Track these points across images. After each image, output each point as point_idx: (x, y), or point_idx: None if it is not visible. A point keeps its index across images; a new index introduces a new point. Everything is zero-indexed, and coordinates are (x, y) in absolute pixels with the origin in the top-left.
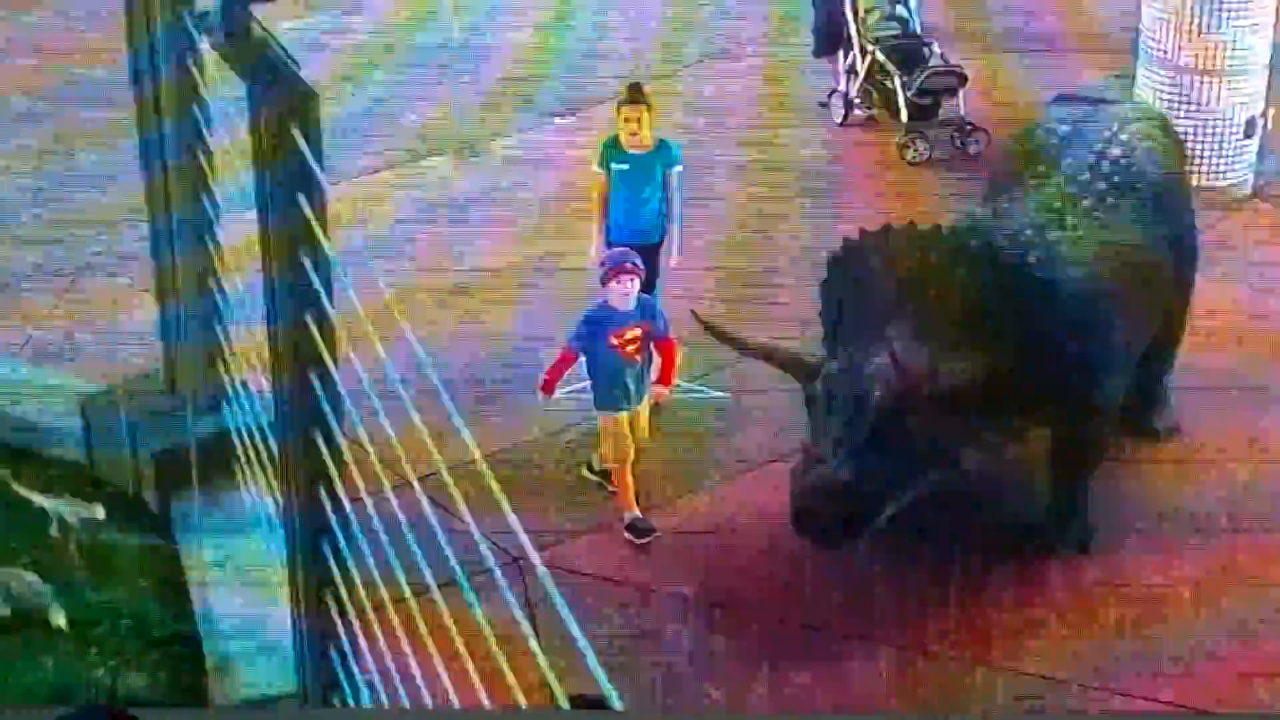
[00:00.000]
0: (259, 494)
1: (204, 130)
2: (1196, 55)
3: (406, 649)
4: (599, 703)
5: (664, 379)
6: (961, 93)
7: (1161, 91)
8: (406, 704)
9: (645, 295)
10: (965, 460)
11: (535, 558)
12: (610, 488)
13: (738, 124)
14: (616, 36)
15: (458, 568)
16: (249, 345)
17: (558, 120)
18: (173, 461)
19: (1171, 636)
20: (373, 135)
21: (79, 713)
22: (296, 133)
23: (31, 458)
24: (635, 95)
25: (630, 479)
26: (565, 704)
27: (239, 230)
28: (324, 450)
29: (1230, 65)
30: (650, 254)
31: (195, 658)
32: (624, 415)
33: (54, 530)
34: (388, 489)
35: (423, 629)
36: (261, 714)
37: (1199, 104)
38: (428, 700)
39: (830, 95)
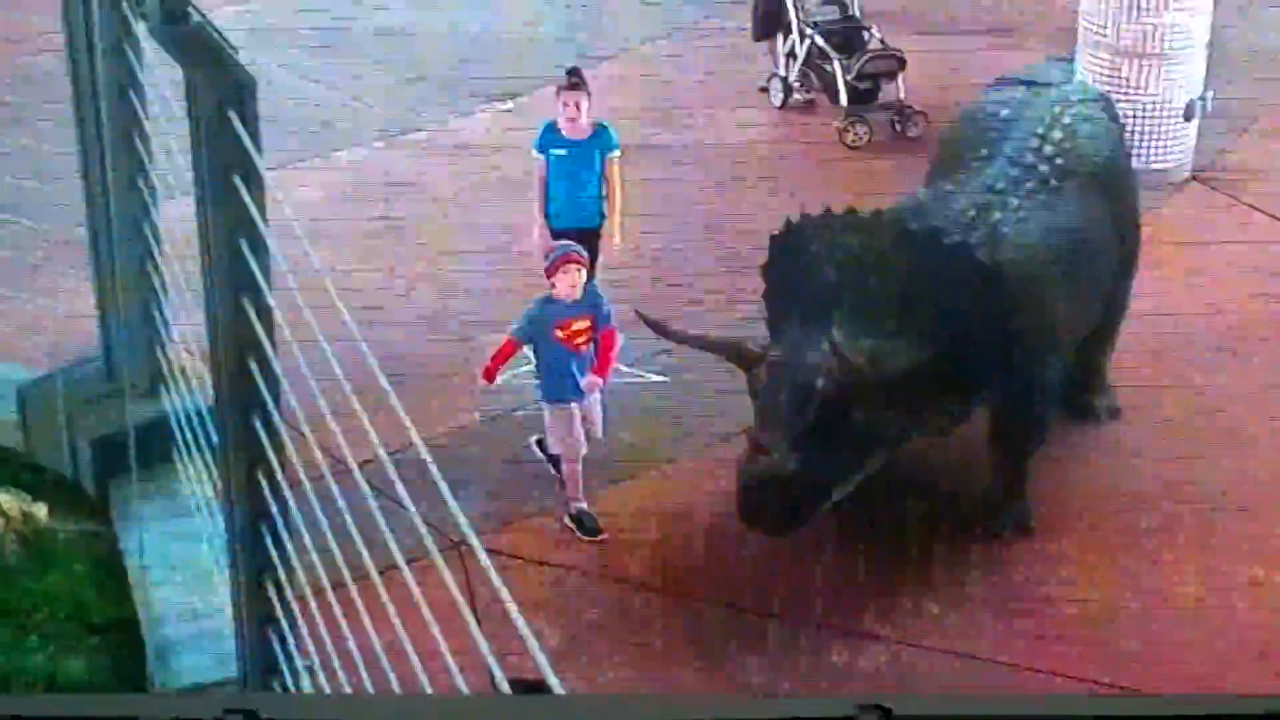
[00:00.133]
0: (198, 480)
1: (141, 116)
2: (1135, 38)
3: (347, 634)
4: (540, 687)
5: (600, 369)
6: (901, 76)
7: (1101, 74)
8: (347, 689)
9: (591, 285)
10: (910, 444)
11: (476, 542)
12: (555, 473)
13: (676, 109)
14: (555, 20)
15: (398, 552)
16: (188, 331)
17: (497, 105)
18: (111, 448)
19: (1109, 617)
20: (310, 121)
21: None
22: (235, 119)
23: None
24: (573, 80)
25: (579, 471)
26: (506, 689)
27: (177, 216)
28: (263, 436)
29: (1169, 48)
30: (590, 239)
31: (134, 644)
32: (574, 408)
33: None
34: (327, 474)
35: (363, 614)
36: (201, 699)
37: (1138, 87)
38: (368, 685)
39: (769, 79)
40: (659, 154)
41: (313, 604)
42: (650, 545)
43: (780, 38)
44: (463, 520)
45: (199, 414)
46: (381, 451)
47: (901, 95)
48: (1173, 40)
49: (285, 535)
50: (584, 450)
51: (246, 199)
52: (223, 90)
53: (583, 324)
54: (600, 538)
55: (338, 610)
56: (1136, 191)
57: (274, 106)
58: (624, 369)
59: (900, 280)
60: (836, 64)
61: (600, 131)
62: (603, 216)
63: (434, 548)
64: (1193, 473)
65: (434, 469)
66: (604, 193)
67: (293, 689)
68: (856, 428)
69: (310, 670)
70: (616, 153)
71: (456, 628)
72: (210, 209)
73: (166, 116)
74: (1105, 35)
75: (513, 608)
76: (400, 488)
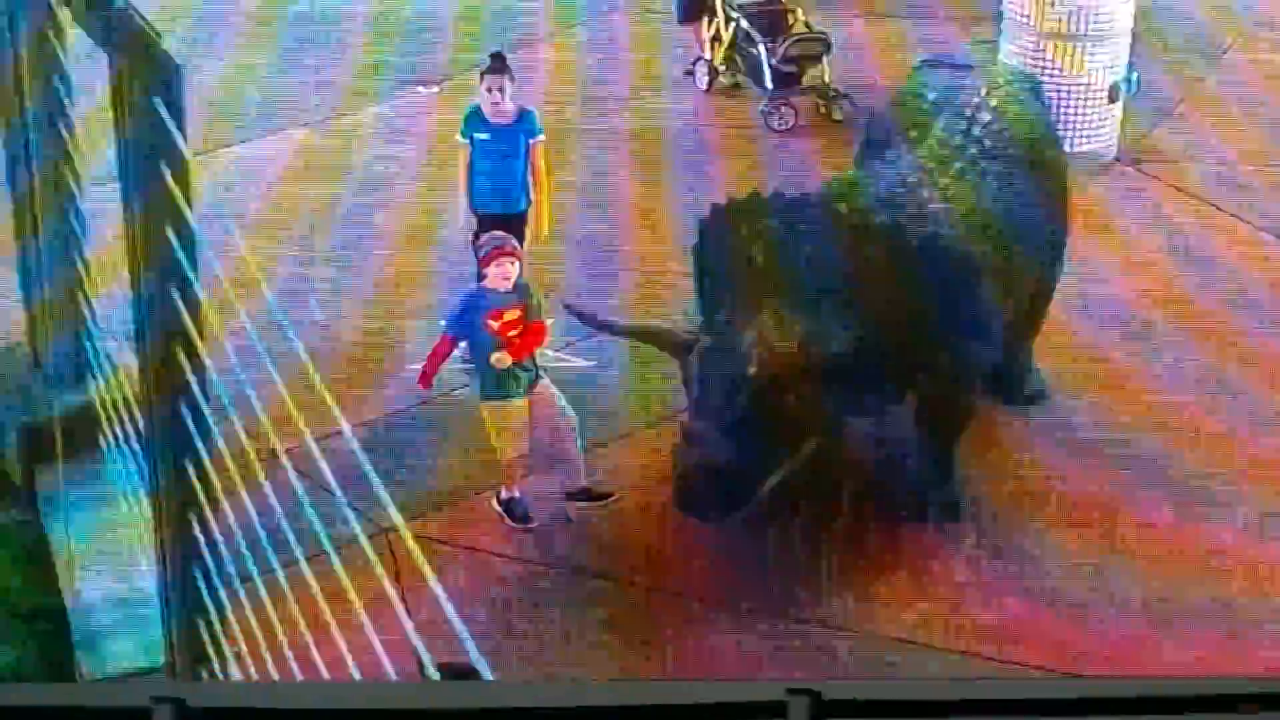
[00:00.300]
0: (125, 467)
1: (65, 101)
2: (1059, 20)
3: (275, 621)
4: (469, 672)
5: (515, 350)
6: (826, 59)
7: (1025, 57)
8: (275, 676)
9: (520, 278)
10: (842, 429)
11: (404, 529)
12: (512, 523)
13: (602, 92)
14: (482, 4)
15: (325, 540)
16: (114, 317)
17: (422, 89)
18: (37, 435)
19: (1037, 600)
20: (238, 106)
21: None
22: (160, 105)
23: None
24: (497, 64)
25: (517, 466)
26: (435, 674)
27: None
28: (190, 424)
29: (1093, 30)
30: (515, 224)
31: (61, 632)
32: (515, 404)
33: None
34: (255, 462)
35: (291, 601)
36: (129, 687)
37: (1062, 69)
38: (296, 672)
39: (695, 63)
40: (584, 138)
41: (241, 591)
42: (579, 530)
43: (705, 21)
44: (390, 506)
45: (126, 401)
46: (309, 438)
47: (827, 78)
48: (1097, 23)
49: (213, 522)
50: (526, 449)
51: (172, 186)
52: (148, 76)
53: (514, 314)
54: (529, 525)
55: (266, 597)
56: (1065, 174)
57: (201, 92)
58: (550, 354)
59: (829, 262)
60: (761, 47)
61: (524, 116)
62: (528, 201)
63: (362, 534)
64: (1115, 456)
65: (361, 455)
66: (529, 177)
67: (221, 677)
68: (790, 413)
69: (238, 657)
70: (540, 138)
71: (385, 613)
72: (136, 196)
73: (91, 103)
74: (1029, 18)
75: (441, 593)
76: (328, 474)
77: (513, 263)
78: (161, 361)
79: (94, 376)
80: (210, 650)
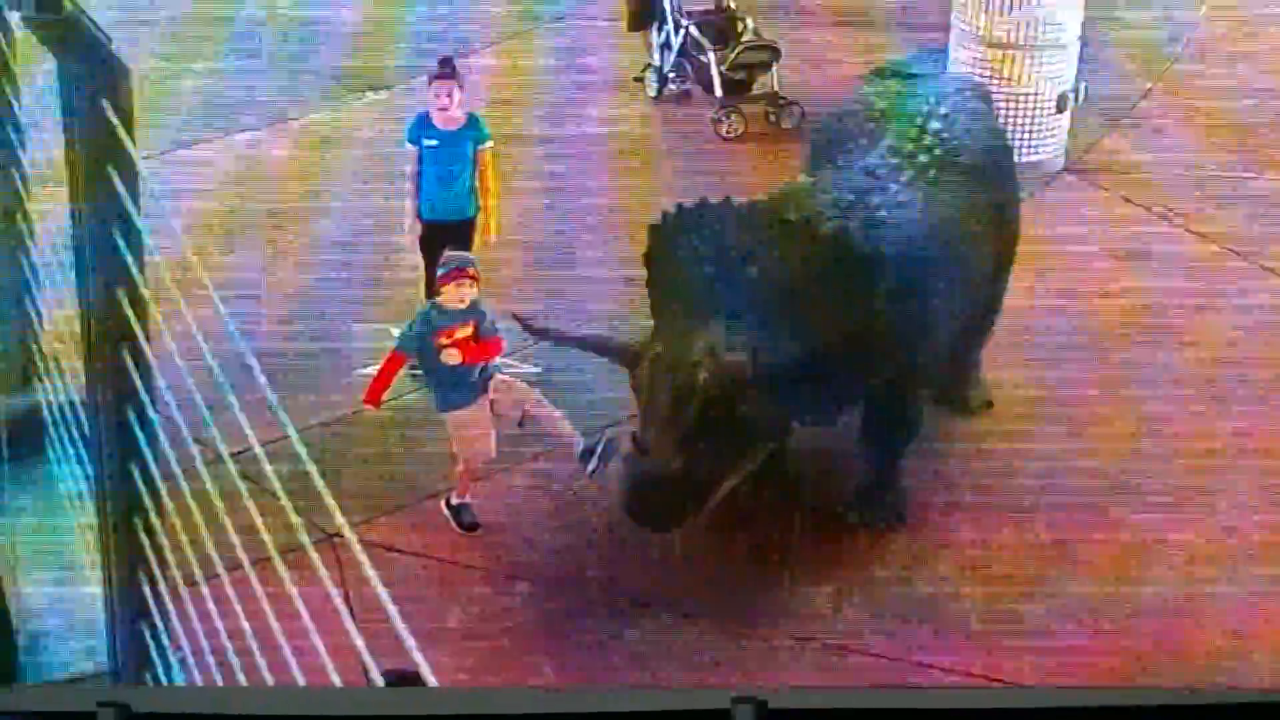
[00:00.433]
0: (70, 471)
1: (14, 104)
2: (1007, 30)
3: (219, 625)
4: (413, 679)
5: (468, 354)
6: (775, 67)
7: (974, 67)
8: (219, 681)
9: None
10: (793, 436)
11: (350, 534)
12: (460, 529)
13: (551, 99)
14: (430, 9)
15: (271, 544)
16: (60, 320)
17: (370, 94)
18: None
19: (983, 610)
20: (184, 111)
21: None
22: (108, 108)
23: None
24: (445, 69)
25: (474, 469)
26: (379, 680)
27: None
28: (136, 428)
29: (1041, 41)
30: (463, 231)
31: (5, 637)
32: (472, 410)
33: None
34: (201, 465)
35: (236, 605)
36: (73, 692)
37: (1010, 79)
38: (240, 677)
39: (644, 70)
40: (533, 145)
41: (186, 596)
42: (526, 537)
43: (655, 28)
44: (336, 512)
45: (71, 405)
46: (256, 442)
47: (776, 86)
48: (1044, 32)
49: (158, 527)
50: (491, 455)
51: (120, 188)
52: (96, 79)
53: (466, 332)
54: (476, 532)
55: (211, 603)
56: (1016, 183)
57: (148, 96)
58: (497, 360)
59: (779, 270)
60: (711, 55)
61: (473, 122)
62: (476, 208)
63: (307, 539)
64: (1064, 464)
65: (308, 460)
66: (477, 184)
67: (165, 682)
68: (740, 422)
69: (183, 662)
70: (489, 144)
71: (330, 619)
72: (84, 198)
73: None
74: (978, 27)
75: (387, 599)
76: (274, 479)
77: (471, 285)
78: (108, 364)
79: (40, 379)
80: (155, 655)
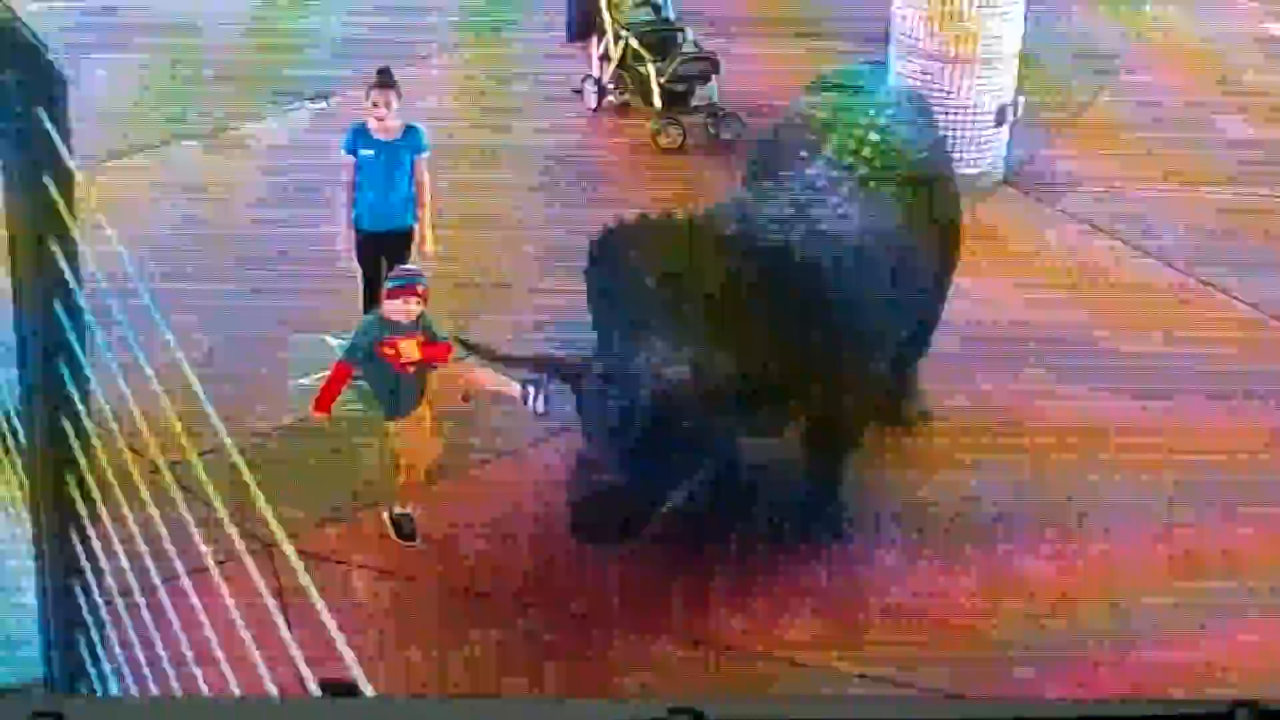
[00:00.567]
0: (4, 481)
1: None
2: (947, 44)
3: (155, 636)
4: (350, 689)
5: (426, 353)
6: (715, 79)
7: (914, 79)
8: (155, 692)
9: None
10: (738, 449)
11: (286, 544)
12: (400, 540)
13: (490, 110)
14: (368, 19)
15: (208, 555)
16: None
17: (310, 104)
18: None
19: (918, 620)
20: (123, 120)
21: None
22: (44, 117)
23: None
24: (384, 79)
25: (418, 477)
26: (316, 691)
27: None
28: (72, 437)
29: (980, 54)
30: (400, 241)
31: None
32: (416, 414)
33: None
34: (137, 476)
35: (172, 616)
36: (7, 703)
37: (949, 92)
38: (176, 688)
39: (584, 81)
40: (472, 156)
41: (121, 607)
42: (466, 548)
43: (594, 39)
44: (273, 522)
45: (5, 414)
46: (192, 452)
47: (715, 98)
48: (984, 46)
49: (94, 537)
50: (434, 455)
51: (56, 198)
52: (32, 88)
53: (411, 342)
54: (416, 543)
55: (146, 613)
56: (956, 195)
57: (85, 105)
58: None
59: (720, 284)
60: (650, 66)
61: (410, 133)
62: (414, 218)
63: (243, 550)
64: (998, 477)
65: (244, 470)
66: (414, 195)
67: (100, 692)
68: (684, 437)
69: (118, 673)
70: (426, 154)
71: (267, 630)
72: (19, 209)
73: None
74: (917, 40)
75: (323, 609)
76: (210, 489)
77: (418, 302)
78: (43, 373)
79: None
80: (90, 666)
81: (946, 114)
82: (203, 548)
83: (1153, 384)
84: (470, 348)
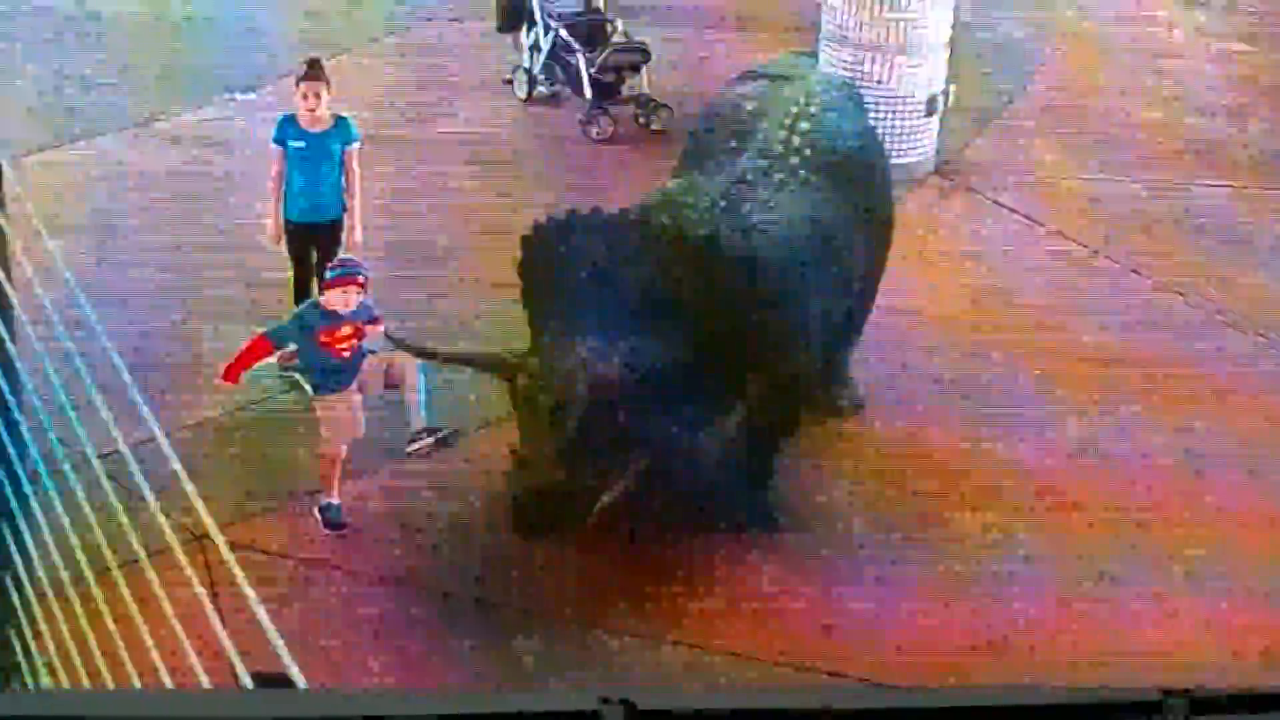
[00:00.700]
0: None
1: None
2: (877, 33)
3: (87, 629)
4: (282, 681)
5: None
6: (645, 69)
7: (843, 69)
8: (87, 685)
9: (366, 301)
10: (674, 441)
11: (218, 535)
12: (326, 529)
13: (420, 100)
14: (297, 10)
15: (139, 546)
16: None
17: (238, 96)
18: None
19: (849, 611)
20: (51, 111)
21: None
22: None
23: None
24: (313, 71)
25: (339, 465)
26: (248, 683)
27: None
28: (3, 431)
29: (910, 43)
30: (330, 232)
31: None
32: (346, 394)
33: None
34: (68, 468)
35: (104, 609)
36: None
37: (880, 82)
38: (109, 681)
39: (514, 72)
40: (402, 147)
41: (52, 600)
42: (395, 539)
43: (525, 30)
44: (204, 513)
45: None
46: (123, 444)
47: (646, 88)
48: (914, 35)
49: (25, 530)
50: (358, 434)
51: None
52: None
53: (347, 330)
54: (343, 531)
55: (78, 606)
56: (888, 184)
57: (12, 95)
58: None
59: (651, 278)
60: (580, 57)
61: (340, 124)
62: (343, 209)
63: (175, 541)
64: (927, 467)
65: (175, 461)
66: (345, 185)
67: (32, 686)
68: (620, 432)
69: (49, 666)
70: (356, 145)
71: (199, 621)
72: None
73: None
74: (847, 29)
75: (254, 601)
76: (141, 480)
77: (358, 292)
78: None
79: None
80: (21, 659)
81: (877, 104)
82: (134, 539)
83: (1089, 370)
84: (405, 347)
